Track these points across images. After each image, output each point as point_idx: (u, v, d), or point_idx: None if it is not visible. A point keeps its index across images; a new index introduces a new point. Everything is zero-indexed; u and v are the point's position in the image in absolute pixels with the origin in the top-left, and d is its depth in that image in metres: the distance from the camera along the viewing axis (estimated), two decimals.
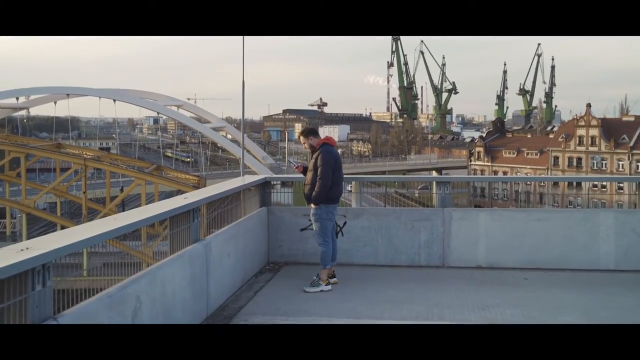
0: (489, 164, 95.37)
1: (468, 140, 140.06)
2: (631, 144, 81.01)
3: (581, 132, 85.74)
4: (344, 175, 8.93)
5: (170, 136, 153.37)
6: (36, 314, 4.02)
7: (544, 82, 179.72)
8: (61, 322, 4.19)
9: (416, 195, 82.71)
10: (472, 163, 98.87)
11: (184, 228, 6.64)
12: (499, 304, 7.55)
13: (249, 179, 9.64)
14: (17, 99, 73.97)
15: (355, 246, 9.53)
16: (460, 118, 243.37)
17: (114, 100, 74.73)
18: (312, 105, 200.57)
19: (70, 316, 4.31)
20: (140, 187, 39.09)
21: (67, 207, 58.26)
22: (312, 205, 8.45)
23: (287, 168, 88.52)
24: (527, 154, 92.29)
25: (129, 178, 44.78)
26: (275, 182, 10.23)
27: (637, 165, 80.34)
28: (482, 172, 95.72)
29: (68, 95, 74.94)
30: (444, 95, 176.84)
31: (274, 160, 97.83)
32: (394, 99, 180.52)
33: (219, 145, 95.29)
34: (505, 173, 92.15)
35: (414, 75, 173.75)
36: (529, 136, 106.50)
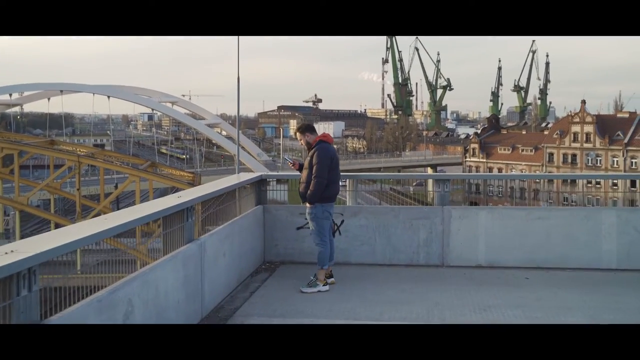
0: (484, 160, 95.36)
1: (463, 136, 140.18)
2: (626, 140, 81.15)
3: (576, 128, 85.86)
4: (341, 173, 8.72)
5: (165, 133, 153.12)
6: (22, 320, 3.83)
7: (539, 79, 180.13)
8: None
9: (411, 191, 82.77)
10: (467, 159, 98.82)
11: (178, 228, 6.44)
12: (500, 305, 7.39)
13: (244, 176, 9.44)
14: (10, 95, 73.62)
15: (352, 245, 9.34)
16: (455, 114, 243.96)
17: (108, 97, 74.49)
18: (306, 102, 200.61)
19: (58, 322, 4.12)
20: (134, 183, 38.80)
21: (60, 204, 57.98)
22: (308, 205, 8.26)
23: (282, 165, 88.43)
24: (522, 150, 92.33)
25: (123, 175, 44.52)
26: (270, 180, 10.02)
27: (632, 162, 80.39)
28: (477, 168, 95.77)
29: (62, 91, 74.69)
30: (439, 91, 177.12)
31: (269, 157, 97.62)
32: (388, 95, 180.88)
33: (213, 141, 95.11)
34: (500, 169, 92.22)
35: (408, 72, 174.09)
36: (523, 133, 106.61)
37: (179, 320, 6.14)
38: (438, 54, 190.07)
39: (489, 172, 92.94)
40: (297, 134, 8.51)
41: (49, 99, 76.95)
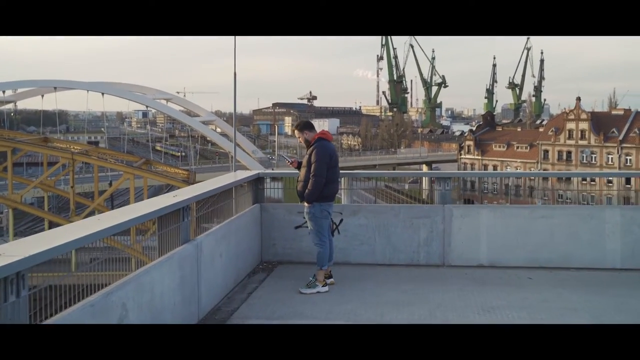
0: (479, 157, 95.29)
1: (458, 133, 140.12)
2: (620, 137, 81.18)
3: (571, 125, 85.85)
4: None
5: (160, 130, 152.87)
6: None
7: (533, 76, 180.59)
8: None
9: (406, 189, 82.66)
10: (462, 157, 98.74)
11: (174, 228, 6.25)
12: (504, 306, 7.21)
13: (241, 174, 9.22)
14: (4, 92, 73.29)
15: (351, 245, 9.15)
16: (449, 112, 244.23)
17: (102, 94, 74.15)
18: (301, 99, 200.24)
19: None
20: (129, 181, 38.61)
21: (54, 202, 57.73)
22: (306, 204, 8.07)
23: (277, 161, 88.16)
24: (517, 147, 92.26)
25: (118, 172, 44.30)
26: (267, 178, 9.81)
27: (627, 159, 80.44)
28: (472, 165, 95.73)
29: (55, 88, 74.31)
30: (434, 88, 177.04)
31: (264, 154, 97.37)
32: (383, 92, 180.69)
33: (208, 138, 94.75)
34: (495, 167, 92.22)
35: (403, 69, 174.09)
36: (518, 130, 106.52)
37: (175, 323, 5.95)
38: (433, 51, 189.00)
39: (484, 169, 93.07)
40: (296, 131, 8.31)
41: (42, 96, 76.61)
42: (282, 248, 9.31)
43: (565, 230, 8.97)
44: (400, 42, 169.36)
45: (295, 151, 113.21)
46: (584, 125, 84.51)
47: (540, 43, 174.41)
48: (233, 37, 9.12)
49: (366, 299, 7.52)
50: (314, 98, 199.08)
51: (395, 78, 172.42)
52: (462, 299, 7.50)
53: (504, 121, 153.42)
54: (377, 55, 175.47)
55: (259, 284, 8.25)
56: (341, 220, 8.86)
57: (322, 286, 7.86)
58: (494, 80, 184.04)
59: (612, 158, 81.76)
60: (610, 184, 60.96)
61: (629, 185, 58.85)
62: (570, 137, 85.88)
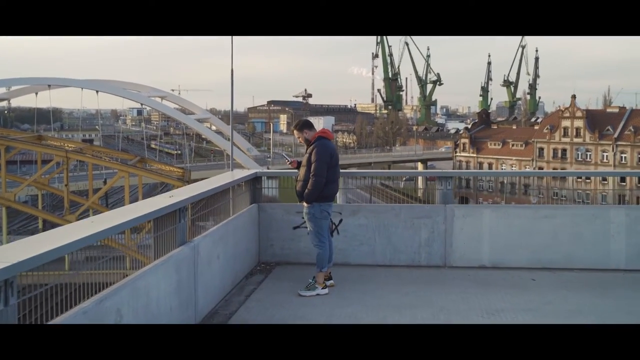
0: (474, 155, 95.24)
1: (453, 131, 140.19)
2: (615, 135, 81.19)
3: (566, 123, 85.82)
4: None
5: (154, 127, 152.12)
6: None
7: (528, 74, 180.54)
8: None
9: (401, 186, 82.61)
10: (457, 154, 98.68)
11: (170, 230, 6.04)
12: (508, 309, 7.04)
13: (238, 174, 9.00)
14: None
15: (351, 245, 8.97)
16: (444, 109, 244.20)
17: (97, 92, 73.79)
18: (296, 97, 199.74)
19: None
20: (123, 179, 38.30)
21: (48, 200, 57.38)
22: (305, 204, 7.87)
23: (272, 159, 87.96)
24: (512, 145, 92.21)
25: (112, 170, 43.98)
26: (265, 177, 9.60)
27: (622, 157, 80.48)
28: (468, 163, 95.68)
29: (49, 86, 73.85)
30: (429, 86, 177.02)
31: (259, 152, 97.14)
32: (378, 90, 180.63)
33: (203, 136, 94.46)
34: (490, 164, 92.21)
35: (398, 67, 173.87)
36: (514, 127, 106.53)
37: None
38: (428, 49, 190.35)
39: (480, 166, 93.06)
40: (295, 131, 8.07)
41: (36, 93, 76.13)
42: (280, 249, 9.12)
43: (569, 231, 8.80)
44: (395, 40, 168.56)
45: (290, 149, 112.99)
46: (579, 123, 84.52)
47: (535, 41, 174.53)
48: (230, 37, 8.87)
49: (367, 302, 7.34)
50: (309, 96, 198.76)
51: (390, 76, 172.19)
52: (466, 301, 7.32)
53: (499, 119, 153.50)
54: (373, 53, 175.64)
55: (257, 285, 8.06)
56: (340, 221, 8.67)
57: (322, 288, 7.67)
58: (488, 78, 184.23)
59: (607, 156, 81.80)
60: (604, 182, 60.95)
61: (623, 183, 58.80)
62: (565, 134, 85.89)
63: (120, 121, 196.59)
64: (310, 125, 8.01)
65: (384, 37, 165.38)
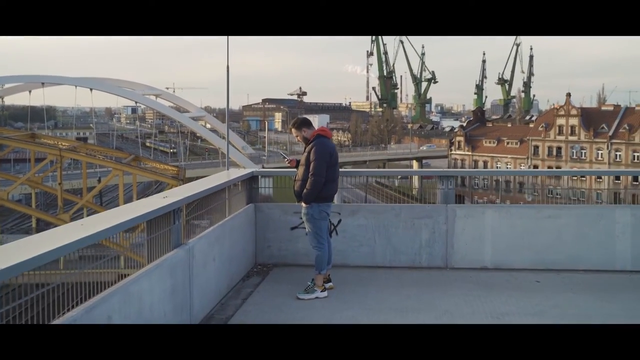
0: (470, 153, 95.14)
1: (447, 129, 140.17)
2: (610, 133, 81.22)
3: (561, 121, 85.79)
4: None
5: (149, 126, 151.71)
6: None
7: (523, 72, 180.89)
8: None
9: (396, 184, 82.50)
10: (452, 152, 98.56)
11: (164, 232, 5.81)
12: (514, 312, 6.83)
13: (234, 173, 8.76)
14: None
15: (350, 246, 8.74)
16: (439, 107, 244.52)
17: (91, 89, 73.35)
18: (291, 95, 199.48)
19: None
20: (118, 177, 38.03)
21: (42, 199, 57.02)
22: (303, 204, 7.64)
23: (267, 158, 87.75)
24: (507, 143, 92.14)
25: (107, 168, 43.69)
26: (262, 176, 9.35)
27: (616, 155, 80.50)
28: (463, 161, 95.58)
29: (43, 84, 73.44)
30: (424, 84, 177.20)
31: (254, 150, 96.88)
32: (373, 88, 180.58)
33: (198, 134, 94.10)
34: (485, 162, 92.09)
35: (393, 65, 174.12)
36: (509, 125, 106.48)
37: None
38: (423, 47, 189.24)
39: (475, 164, 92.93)
40: (292, 130, 7.80)
41: (30, 91, 75.71)
42: (278, 250, 8.90)
43: (573, 231, 8.59)
44: (390, 38, 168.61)
45: (285, 147, 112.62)
46: (574, 121, 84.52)
47: (530, 39, 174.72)
48: (226, 37, 8.66)
49: (368, 305, 7.12)
50: (304, 94, 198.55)
51: (385, 74, 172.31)
52: (469, 304, 7.11)
53: (494, 117, 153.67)
54: (367, 51, 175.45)
55: (254, 288, 7.83)
56: (339, 221, 8.45)
57: (321, 291, 7.45)
58: (483, 76, 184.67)
59: (601, 154, 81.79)
60: (599, 180, 60.92)
61: (618, 181, 58.78)
62: (560, 132, 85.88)
63: (114, 119, 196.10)
64: (308, 124, 7.78)
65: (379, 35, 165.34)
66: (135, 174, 38.19)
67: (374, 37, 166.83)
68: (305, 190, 7.46)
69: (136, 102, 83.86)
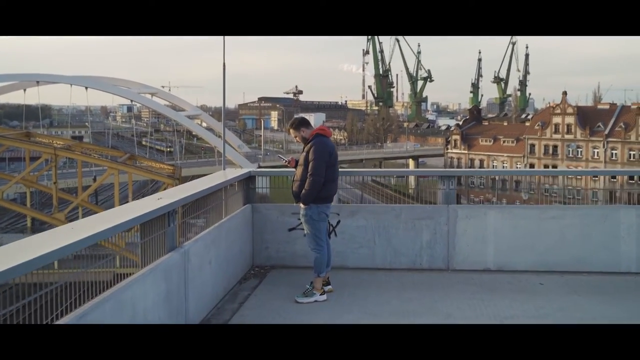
0: (466, 151, 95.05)
1: (443, 128, 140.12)
2: (606, 131, 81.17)
3: (557, 120, 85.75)
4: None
5: (145, 124, 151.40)
6: None
7: (518, 70, 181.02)
8: None
9: (392, 183, 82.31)
10: (448, 151, 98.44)
11: (158, 235, 5.61)
12: (518, 315, 6.66)
13: (231, 173, 8.55)
14: None
15: (349, 248, 8.56)
16: (435, 106, 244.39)
17: (86, 88, 72.98)
18: (287, 93, 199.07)
19: None
20: (113, 176, 37.76)
21: (37, 198, 56.74)
22: (302, 205, 7.44)
23: (263, 156, 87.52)
24: (504, 142, 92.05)
25: (102, 167, 43.43)
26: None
27: (612, 153, 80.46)
28: (459, 160, 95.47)
29: (38, 82, 73.00)
30: (419, 83, 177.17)
31: (250, 149, 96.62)
32: (369, 86, 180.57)
33: (193, 133, 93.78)
34: (482, 161, 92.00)
35: (389, 63, 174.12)
36: (505, 124, 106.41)
37: None
38: (419, 45, 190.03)
39: (471, 163, 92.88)
40: (291, 130, 7.59)
41: (24, 90, 75.27)
42: (275, 251, 8.71)
43: (577, 232, 8.42)
44: (386, 36, 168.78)
45: (281, 145, 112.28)
46: (570, 120, 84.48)
47: (525, 38, 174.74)
48: (223, 37, 8.49)
49: (368, 309, 6.94)
50: (300, 92, 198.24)
51: (381, 72, 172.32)
52: (472, 308, 6.93)
53: (490, 115, 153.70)
54: (363, 50, 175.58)
55: (251, 291, 7.64)
56: (338, 222, 8.25)
57: (320, 295, 7.26)
58: (479, 75, 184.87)
59: (597, 152, 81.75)
60: (595, 178, 60.85)
61: (614, 180, 58.74)
62: (556, 131, 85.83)
63: (110, 118, 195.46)
64: (307, 123, 7.57)
65: None
66: (130, 173, 37.89)
67: (369, 36, 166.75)
68: (304, 191, 7.26)
69: (132, 101, 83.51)
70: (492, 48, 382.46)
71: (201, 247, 6.60)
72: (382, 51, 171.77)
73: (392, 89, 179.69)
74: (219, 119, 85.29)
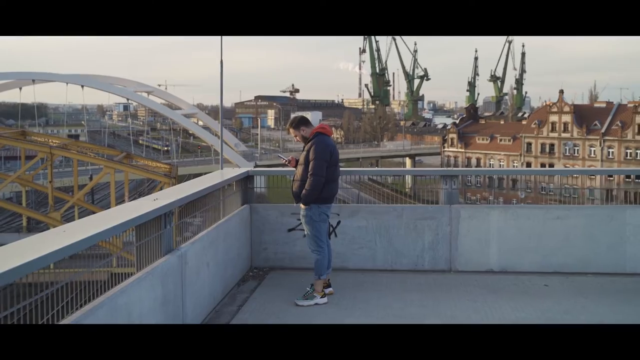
0: (462, 150, 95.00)
1: (440, 126, 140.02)
2: (603, 130, 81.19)
3: (554, 118, 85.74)
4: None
5: (141, 123, 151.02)
6: None
7: (515, 69, 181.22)
8: None
9: (389, 182, 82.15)
10: (445, 149, 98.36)
11: (154, 237, 5.43)
12: (524, 318, 6.51)
13: (228, 173, 8.37)
14: None
15: (350, 248, 8.39)
16: (431, 104, 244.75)
17: (82, 87, 72.83)
18: (284, 92, 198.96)
19: None
20: (109, 175, 37.56)
21: (33, 197, 56.50)
22: (302, 206, 7.26)
23: (259, 155, 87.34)
24: (500, 140, 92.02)
25: (98, 166, 43.24)
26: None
27: (609, 152, 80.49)
28: (456, 158, 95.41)
29: (34, 81, 72.87)
30: (416, 81, 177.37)
31: (247, 147, 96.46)
32: (366, 85, 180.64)
33: (190, 132, 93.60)
34: (478, 159, 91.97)
35: (386, 62, 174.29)
36: (501, 122, 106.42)
37: None
38: (415, 44, 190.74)
39: (468, 161, 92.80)
40: (290, 129, 7.39)
41: (20, 88, 75.08)
42: (274, 253, 8.53)
43: (582, 233, 8.25)
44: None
45: (277, 144, 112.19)
46: (567, 118, 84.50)
47: (521, 36, 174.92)
48: (220, 37, 8.33)
49: (370, 312, 6.77)
50: (297, 91, 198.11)
51: (377, 71, 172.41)
52: (477, 311, 6.77)
53: (486, 114, 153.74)
54: (360, 48, 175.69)
55: (250, 294, 7.47)
56: (338, 222, 8.08)
57: (321, 297, 7.08)
58: (475, 73, 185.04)
59: (594, 150, 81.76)
60: (592, 177, 60.74)
61: (611, 178, 58.74)
62: (553, 129, 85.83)
63: (106, 116, 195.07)
64: (306, 122, 7.38)
65: None
66: (127, 172, 37.71)
67: None
68: (304, 191, 7.07)
69: (128, 100, 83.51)
70: (489, 47, 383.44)
71: (198, 249, 6.42)
72: (378, 50, 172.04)
73: (388, 88, 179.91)
74: (215, 118, 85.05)
